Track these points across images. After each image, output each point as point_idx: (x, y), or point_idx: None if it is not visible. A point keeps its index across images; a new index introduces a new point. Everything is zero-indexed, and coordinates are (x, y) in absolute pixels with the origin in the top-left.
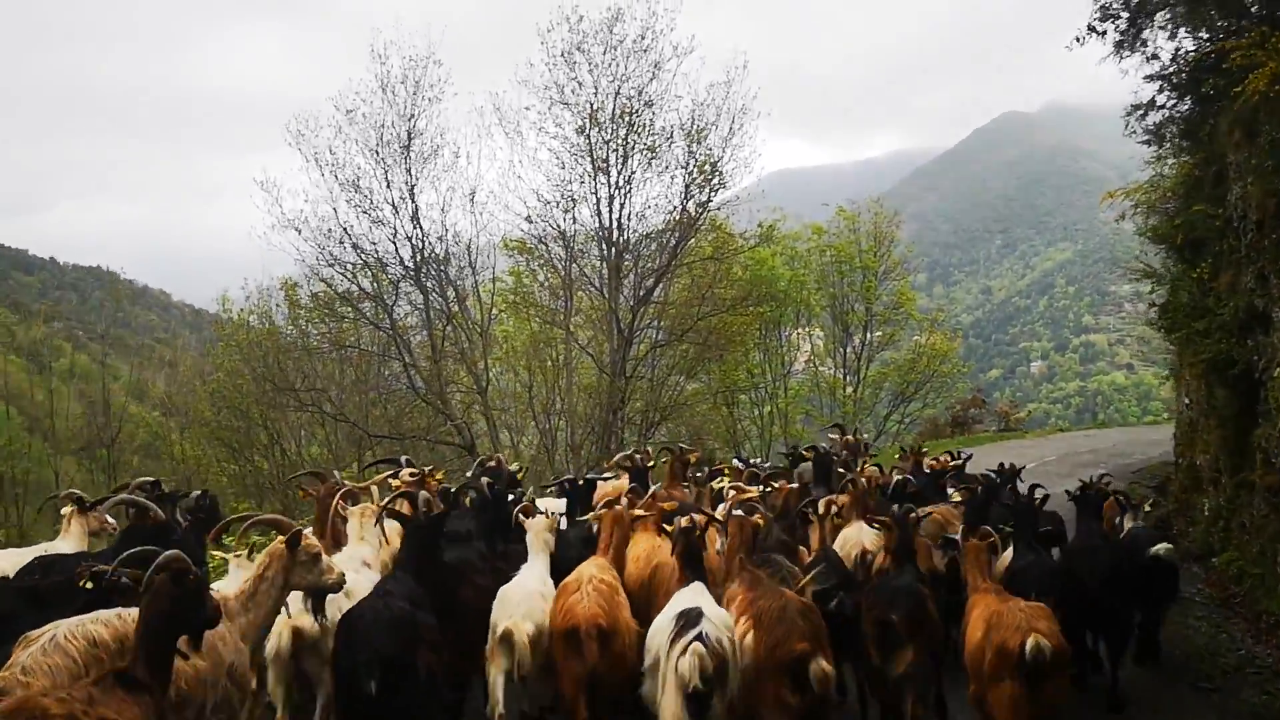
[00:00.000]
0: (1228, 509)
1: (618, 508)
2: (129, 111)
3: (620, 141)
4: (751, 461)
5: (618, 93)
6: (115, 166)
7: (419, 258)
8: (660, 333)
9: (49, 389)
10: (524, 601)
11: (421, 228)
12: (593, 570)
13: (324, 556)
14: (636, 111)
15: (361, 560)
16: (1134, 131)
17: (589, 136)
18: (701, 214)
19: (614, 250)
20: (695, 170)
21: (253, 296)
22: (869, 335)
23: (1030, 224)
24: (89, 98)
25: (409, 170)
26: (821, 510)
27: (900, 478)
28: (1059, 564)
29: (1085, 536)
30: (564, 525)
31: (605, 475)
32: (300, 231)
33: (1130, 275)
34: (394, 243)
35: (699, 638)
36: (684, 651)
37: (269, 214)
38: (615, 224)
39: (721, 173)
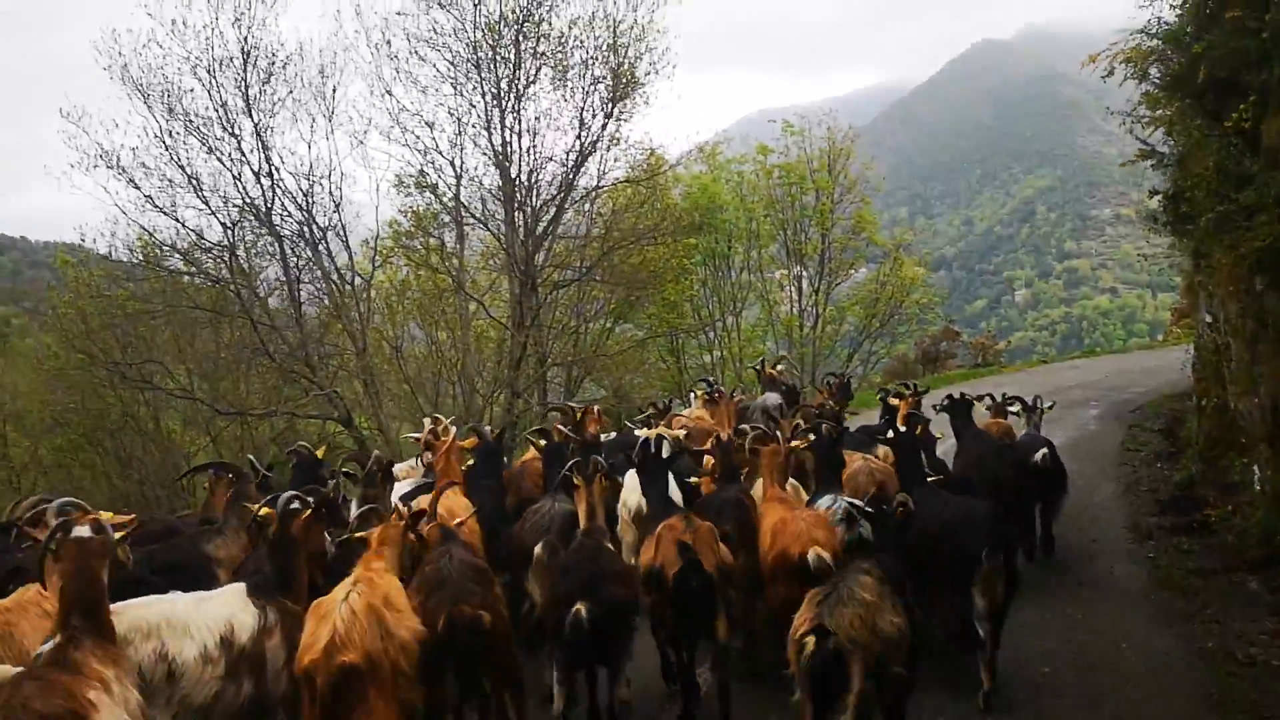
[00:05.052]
0: None
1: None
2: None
3: (510, 45)
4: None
5: None
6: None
7: (267, 194)
8: (572, 272)
9: None
10: None
11: (269, 156)
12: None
13: None
14: (528, 9)
15: None
16: None
17: (473, 43)
18: (606, 127)
19: (509, 179)
20: (601, 71)
21: (92, 255)
22: (825, 265)
23: (1009, 153)
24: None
25: (246, 87)
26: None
27: None
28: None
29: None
30: None
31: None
32: (112, 168)
33: (1112, 200)
34: (236, 176)
35: None
36: None
37: (73, 147)
38: (508, 147)
39: (634, 76)
